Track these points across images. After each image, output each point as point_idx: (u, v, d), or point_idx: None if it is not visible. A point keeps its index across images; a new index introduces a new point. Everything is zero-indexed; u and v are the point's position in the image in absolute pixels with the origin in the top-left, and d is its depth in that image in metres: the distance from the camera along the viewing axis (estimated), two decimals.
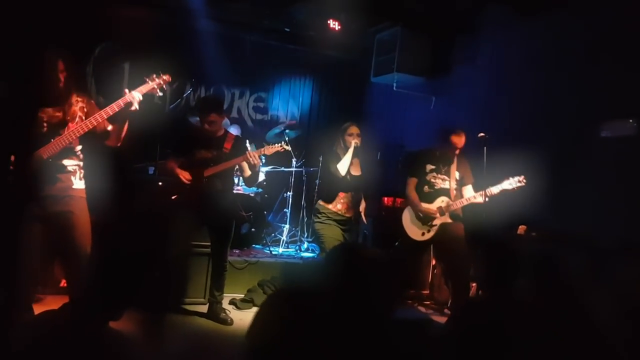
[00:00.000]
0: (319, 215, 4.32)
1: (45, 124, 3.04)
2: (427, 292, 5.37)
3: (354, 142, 4.22)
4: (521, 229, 4.41)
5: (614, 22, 4.20)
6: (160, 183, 5.58)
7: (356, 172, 4.33)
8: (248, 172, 4.21)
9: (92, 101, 3.22)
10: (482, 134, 4.29)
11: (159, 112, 6.46)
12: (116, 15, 5.87)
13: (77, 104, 3.13)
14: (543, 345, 2.03)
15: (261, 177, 6.23)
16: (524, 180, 4.11)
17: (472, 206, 4.39)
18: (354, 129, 4.29)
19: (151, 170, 5.89)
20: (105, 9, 5.75)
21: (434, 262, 5.28)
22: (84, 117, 3.10)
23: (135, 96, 3.09)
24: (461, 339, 2.06)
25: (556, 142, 4.59)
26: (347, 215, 4.29)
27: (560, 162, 4.50)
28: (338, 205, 4.28)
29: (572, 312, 2.23)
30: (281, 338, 1.24)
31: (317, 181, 6.43)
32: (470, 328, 2.07)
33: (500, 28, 5.45)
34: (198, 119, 4.25)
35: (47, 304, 3.83)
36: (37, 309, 3.20)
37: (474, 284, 4.71)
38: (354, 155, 4.25)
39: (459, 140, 4.28)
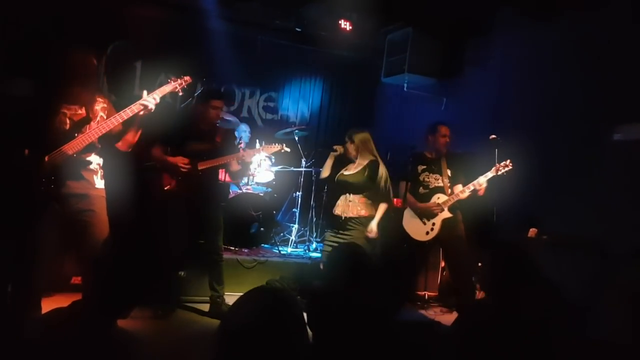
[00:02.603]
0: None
1: (68, 121, 3.10)
2: (436, 294, 5.34)
3: (338, 148, 4.33)
4: (532, 232, 4.39)
5: (626, 24, 4.15)
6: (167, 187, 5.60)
7: (351, 171, 4.31)
8: (237, 167, 4.22)
9: (111, 103, 3.30)
10: (493, 136, 4.30)
11: (170, 110, 6.50)
12: (128, 14, 5.92)
13: (99, 104, 3.23)
14: (548, 347, 2.02)
15: (270, 176, 6.23)
16: (510, 164, 4.16)
17: (481, 208, 4.37)
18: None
19: None
20: (117, 8, 5.79)
21: (443, 264, 5.26)
22: (105, 118, 3.18)
23: (153, 98, 3.18)
24: (467, 341, 2.06)
25: (568, 145, 4.55)
26: (338, 214, 4.24)
27: (572, 164, 4.47)
28: (336, 208, 4.31)
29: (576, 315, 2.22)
30: (254, 325, 1.25)
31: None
32: (476, 330, 2.07)
33: (511, 30, 5.41)
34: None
35: (56, 301, 3.87)
36: (46, 306, 3.24)
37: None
38: (352, 157, 4.29)
39: (446, 130, 4.48)
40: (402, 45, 6.21)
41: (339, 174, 4.36)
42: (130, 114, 3.14)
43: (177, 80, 3.38)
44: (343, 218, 4.21)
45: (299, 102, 7.79)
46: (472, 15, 5.82)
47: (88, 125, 3.12)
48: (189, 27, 6.56)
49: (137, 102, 3.17)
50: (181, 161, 3.97)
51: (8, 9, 4.91)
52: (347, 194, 4.25)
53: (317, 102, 7.88)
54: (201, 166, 4.03)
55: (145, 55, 6.52)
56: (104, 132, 3.09)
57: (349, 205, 4.21)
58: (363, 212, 4.19)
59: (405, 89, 6.50)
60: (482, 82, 5.74)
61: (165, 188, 4.05)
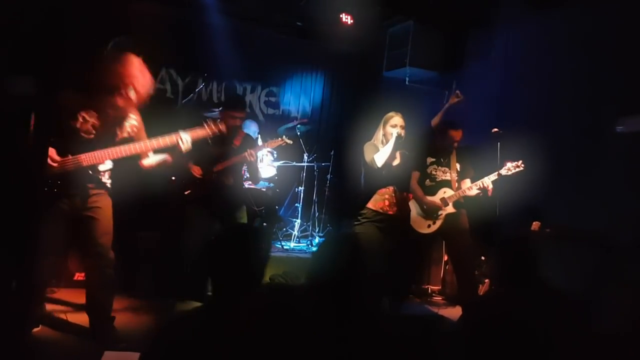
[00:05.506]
0: (359, 218, 4.06)
1: (94, 132, 3.04)
2: (439, 287, 5.35)
3: (395, 132, 3.98)
4: (535, 225, 4.37)
5: (630, 14, 4.12)
6: (173, 177, 5.60)
7: (395, 162, 4.10)
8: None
9: (141, 121, 3.25)
10: (495, 129, 4.28)
11: (171, 107, 6.49)
12: (129, 9, 5.89)
13: (130, 120, 3.17)
14: (558, 341, 2.01)
15: (272, 171, 6.23)
16: (522, 165, 4.12)
17: (484, 202, 4.36)
18: (397, 120, 4.08)
19: None
20: (118, 4, 5.77)
21: (446, 257, 5.26)
22: (133, 136, 3.16)
23: (185, 138, 3.20)
24: (475, 335, 2.05)
25: (571, 138, 4.53)
26: (390, 212, 4.01)
27: (576, 157, 4.45)
28: (379, 203, 4.02)
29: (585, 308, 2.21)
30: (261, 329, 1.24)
31: (329, 176, 6.42)
32: (484, 325, 2.06)
33: (514, 21, 5.38)
34: (217, 112, 4.28)
35: (60, 298, 3.88)
36: (50, 303, 3.25)
37: (486, 280, 4.69)
38: (397, 147, 4.02)
39: (457, 134, 4.34)
40: (404, 39, 6.19)
41: (384, 163, 3.96)
42: (160, 145, 3.14)
43: (211, 126, 3.39)
44: (393, 214, 4.01)
45: (301, 96, 7.77)
46: (473, 7, 5.78)
47: (113, 142, 3.08)
48: (189, 22, 6.55)
49: (174, 136, 3.18)
50: (195, 170, 4.07)
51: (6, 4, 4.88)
52: (395, 189, 4.04)
53: (319, 96, 7.86)
54: (217, 168, 4.12)
55: (146, 50, 6.49)
56: (126, 154, 3.07)
57: (401, 203, 4.04)
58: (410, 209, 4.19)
59: (406, 82, 6.47)
60: (485, 74, 5.71)
61: (185, 192, 4.13)
